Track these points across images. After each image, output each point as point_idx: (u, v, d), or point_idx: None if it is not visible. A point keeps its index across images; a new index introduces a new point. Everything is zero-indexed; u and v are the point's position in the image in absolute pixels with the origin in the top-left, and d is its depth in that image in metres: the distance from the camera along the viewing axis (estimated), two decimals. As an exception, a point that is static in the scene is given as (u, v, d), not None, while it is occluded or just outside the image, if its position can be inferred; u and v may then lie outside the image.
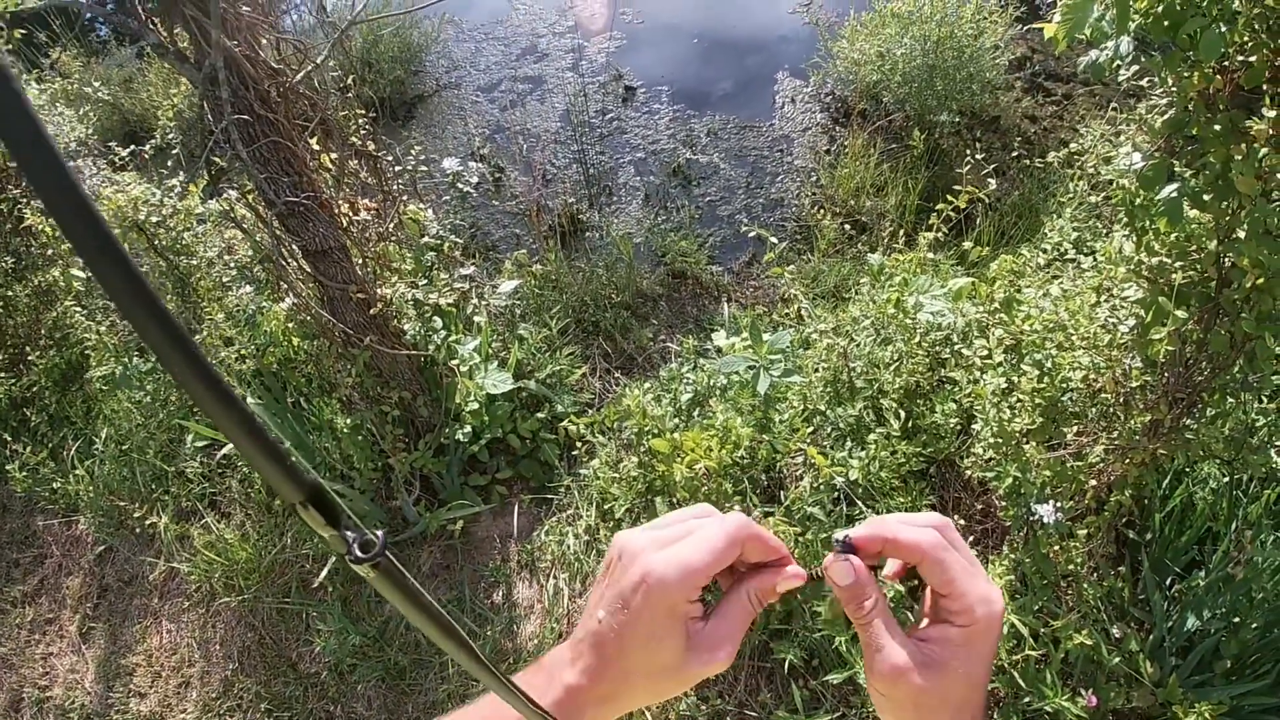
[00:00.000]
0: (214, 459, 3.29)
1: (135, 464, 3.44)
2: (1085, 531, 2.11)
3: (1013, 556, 2.20)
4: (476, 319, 3.32)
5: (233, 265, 3.58)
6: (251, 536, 3.12)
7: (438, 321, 3.09)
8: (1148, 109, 1.80)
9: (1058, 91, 5.07)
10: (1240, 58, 1.50)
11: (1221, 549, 2.21)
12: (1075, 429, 2.16)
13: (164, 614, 3.20)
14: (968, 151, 4.21)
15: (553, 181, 5.02)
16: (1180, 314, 1.71)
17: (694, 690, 2.46)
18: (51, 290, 3.88)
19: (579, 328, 3.87)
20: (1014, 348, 2.41)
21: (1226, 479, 2.37)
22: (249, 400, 3.18)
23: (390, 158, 2.98)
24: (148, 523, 3.24)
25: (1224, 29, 1.41)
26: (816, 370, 2.85)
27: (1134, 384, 1.96)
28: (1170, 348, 1.81)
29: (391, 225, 2.81)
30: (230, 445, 3.11)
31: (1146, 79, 1.76)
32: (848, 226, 4.24)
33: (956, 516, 2.58)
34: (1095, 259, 2.40)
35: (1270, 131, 1.48)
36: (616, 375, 3.70)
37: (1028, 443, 2.18)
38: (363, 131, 2.70)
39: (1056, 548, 2.12)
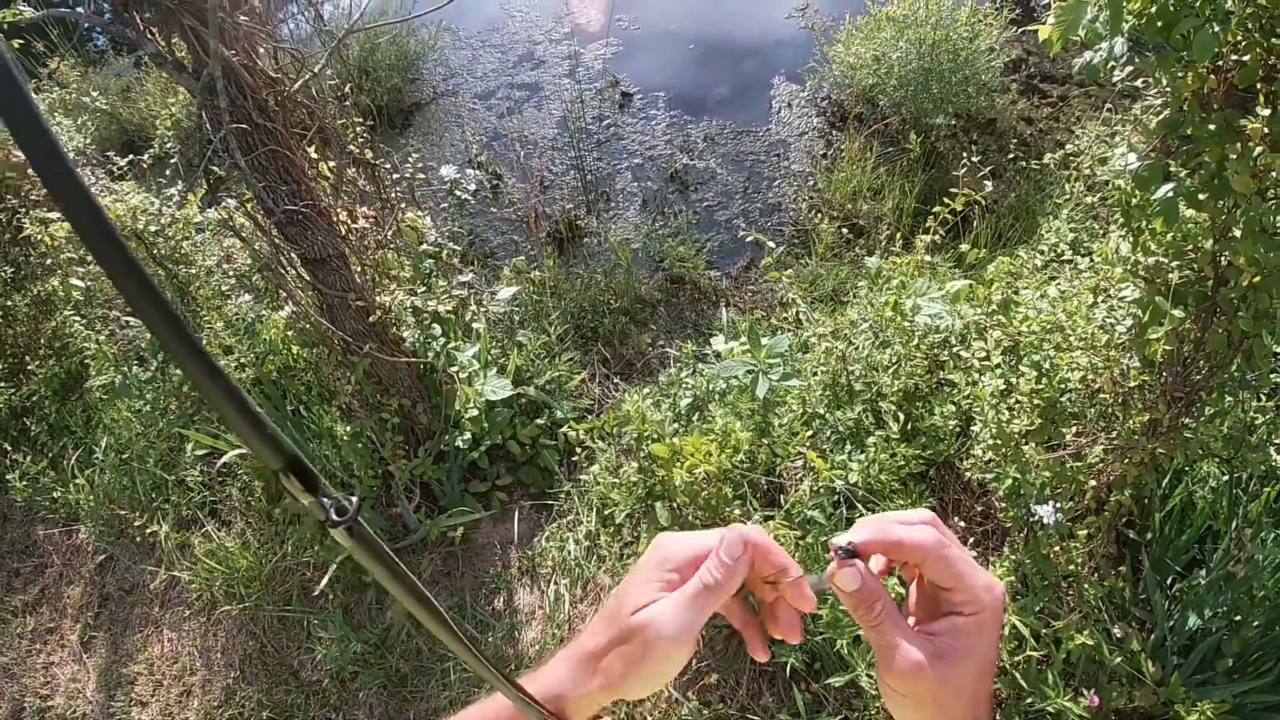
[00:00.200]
0: (214, 467, 3.28)
1: (135, 473, 3.44)
2: (1085, 532, 2.11)
3: (1013, 557, 2.20)
4: (475, 326, 3.32)
5: (231, 274, 3.59)
6: (252, 544, 3.12)
7: (437, 328, 3.09)
8: (1143, 109, 1.81)
9: (1053, 93, 5.09)
10: (1234, 57, 1.50)
11: (1222, 547, 2.21)
12: (1074, 429, 2.17)
13: (165, 622, 3.20)
14: (964, 154, 4.23)
15: (550, 188, 5.03)
16: (1177, 313, 1.72)
17: (696, 695, 2.46)
18: (51, 300, 3.89)
19: (578, 334, 3.87)
20: (1012, 349, 2.41)
21: (1226, 477, 2.37)
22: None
23: (388, 166, 2.99)
24: (148, 531, 3.24)
25: (1217, 29, 1.42)
26: (815, 374, 2.86)
27: (1132, 384, 1.96)
28: (1168, 347, 1.82)
29: (390, 233, 2.82)
30: (231, 454, 3.11)
31: (1141, 79, 1.77)
32: (845, 230, 4.25)
33: (956, 518, 2.58)
34: (1092, 260, 2.40)
35: (1265, 130, 1.48)
36: (616, 381, 3.70)
37: (1027, 444, 2.19)
38: (360, 140, 2.71)
39: (1057, 548, 2.12)
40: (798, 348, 3.06)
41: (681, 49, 6.05)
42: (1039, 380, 2.18)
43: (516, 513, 3.16)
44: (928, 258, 3.05)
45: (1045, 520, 2.09)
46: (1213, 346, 1.76)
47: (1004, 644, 2.08)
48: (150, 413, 3.44)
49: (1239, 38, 1.49)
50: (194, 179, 3.45)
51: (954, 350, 2.61)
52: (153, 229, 3.25)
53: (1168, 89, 1.62)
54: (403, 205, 3.01)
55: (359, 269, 2.71)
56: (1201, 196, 1.61)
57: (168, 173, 3.53)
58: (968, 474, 2.43)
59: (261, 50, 2.17)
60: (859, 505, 2.52)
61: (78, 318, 3.64)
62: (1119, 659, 2.05)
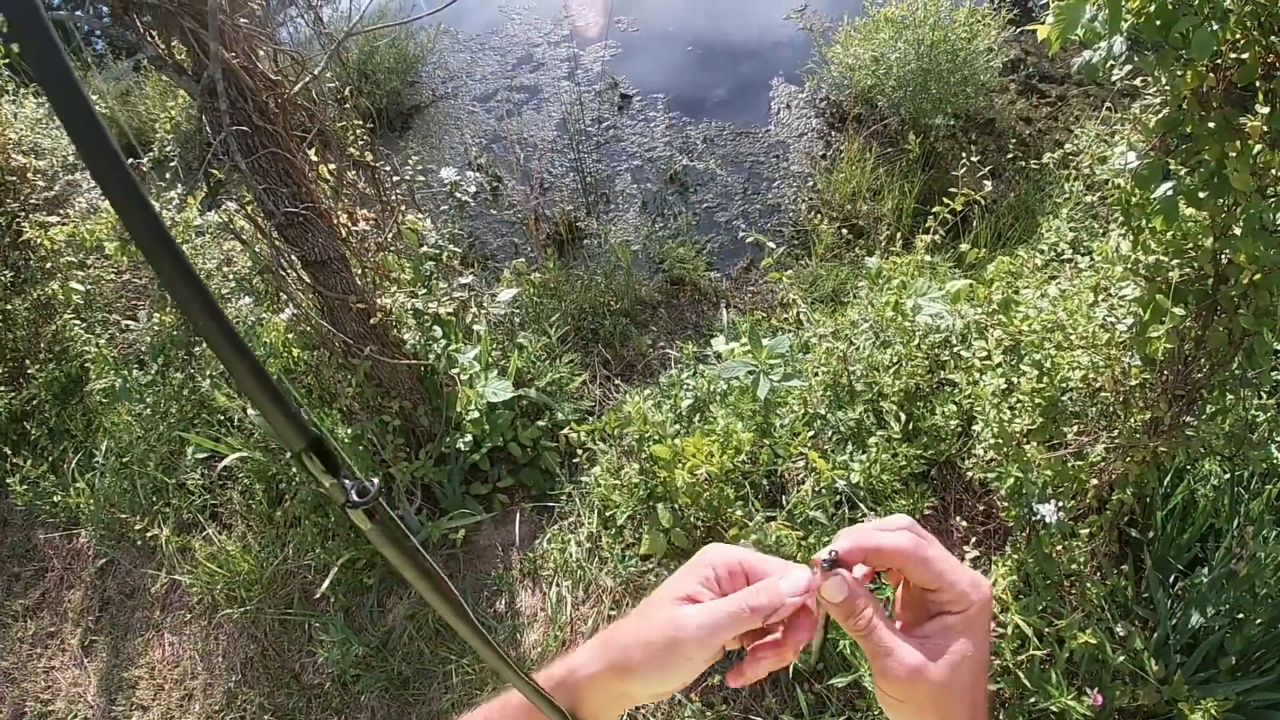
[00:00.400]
0: (214, 471, 3.28)
1: (136, 476, 3.43)
2: (1087, 531, 2.11)
3: (1015, 557, 2.20)
4: (476, 328, 3.32)
5: (232, 277, 3.59)
6: (253, 548, 3.12)
7: (437, 331, 3.09)
8: (1142, 108, 1.81)
9: (1052, 93, 5.10)
10: (1233, 55, 1.51)
11: (1224, 545, 2.21)
12: (1076, 428, 2.17)
13: (166, 626, 3.19)
14: (963, 154, 4.22)
15: (550, 190, 5.03)
16: (1178, 311, 1.72)
17: (699, 697, 2.46)
18: (51, 303, 3.89)
19: (578, 335, 3.87)
20: (1013, 348, 2.41)
21: (1228, 475, 2.37)
22: (248, 411, 3.19)
23: (388, 168, 2.98)
24: (149, 535, 3.23)
25: (1216, 27, 1.42)
26: (816, 374, 2.86)
27: (1133, 382, 1.96)
28: (1169, 345, 1.82)
29: (390, 235, 2.82)
30: (231, 457, 3.11)
31: (1140, 78, 1.77)
32: (845, 231, 4.25)
33: (958, 518, 2.58)
34: (1092, 259, 2.40)
35: (1264, 128, 1.48)
36: (616, 382, 3.70)
37: (1028, 443, 2.19)
38: (360, 142, 2.71)
39: (1059, 547, 2.12)
40: (798, 348, 3.06)
41: (680, 51, 6.05)
42: (1040, 379, 2.18)
43: (518, 515, 3.16)
44: (928, 258, 3.05)
45: (1047, 519, 2.09)
46: (1214, 344, 1.77)
47: (1007, 643, 2.07)
48: (150, 416, 3.44)
49: (1238, 36, 1.49)
50: (194, 182, 3.45)
51: (955, 350, 2.61)
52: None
53: (1167, 87, 1.62)
54: (403, 208, 3.02)
55: (359, 271, 2.71)
56: (1201, 195, 1.61)
57: (168, 176, 3.53)
58: (969, 473, 2.43)
59: (261, 53, 2.17)
60: (861, 505, 2.52)
61: (78, 321, 3.64)
62: (1122, 658, 2.05)
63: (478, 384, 3.08)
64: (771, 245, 3.00)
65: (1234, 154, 1.52)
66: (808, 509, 2.46)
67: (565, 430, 2.90)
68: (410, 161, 4.36)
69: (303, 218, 2.38)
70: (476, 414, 3.03)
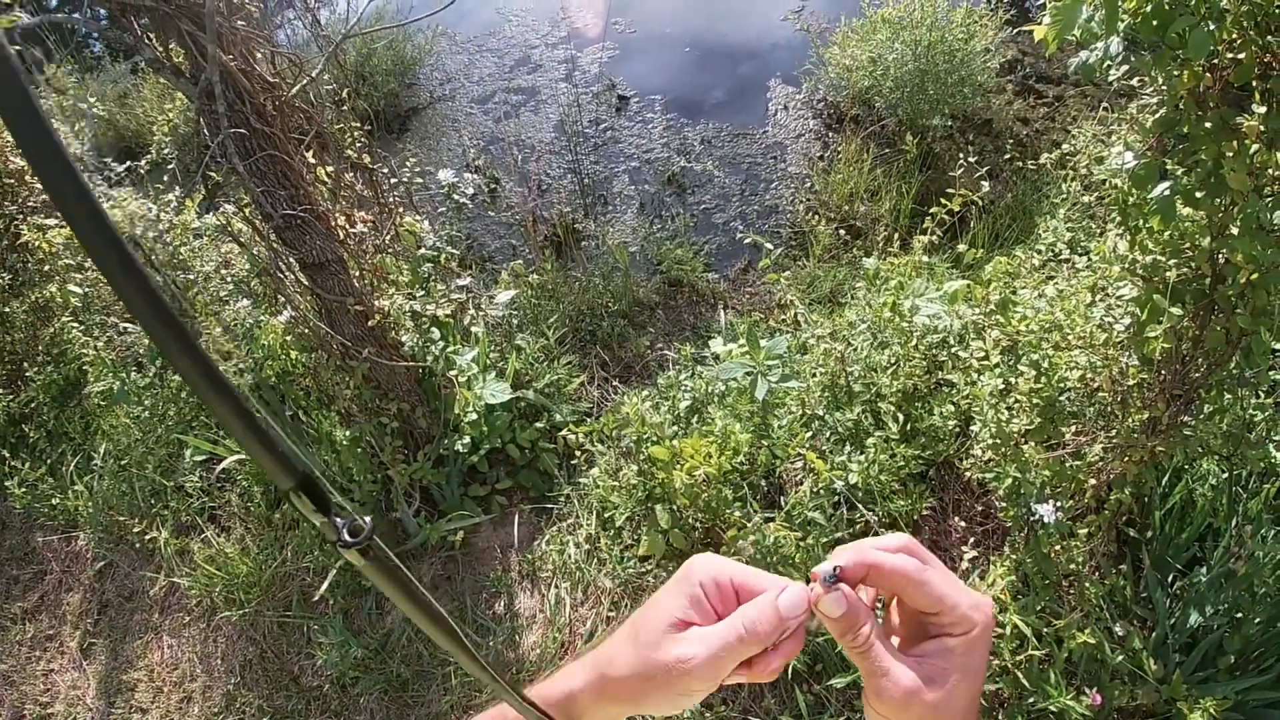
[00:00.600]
0: (213, 473, 3.28)
1: (134, 479, 3.43)
2: (1086, 530, 2.11)
3: (1014, 557, 2.20)
4: (474, 330, 3.32)
5: (229, 279, 3.59)
6: (252, 550, 3.12)
7: (435, 333, 3.09)
8: (1138, 108, 1.81)
9: (1049, 93, 5.10)
10: (1229, 55, 1.51)
11: (1222, 545, 2.22)
12: (1074, 428, 2.17)
13: (165, 629, 3.19)
14: (960, 155, 4.23)
15: (548, 192, 5.03)
16: (1176, 311, 1.72)
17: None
18: (49, 306, 3.88)
19: (576, 337, 3.87)
20: (1010, 349, 2.42)
21: (1225, 475, 2.37)
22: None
23: (386, 170, 2.99)
24: (147, 538, 3.23)
25: (1212, 27, 1.43)
26: (814, 375, 2.86)
27: (1131, 382, 1.97)
28: (1166, 345, 1.82)
29: (388, 237, 2.82)
30: (230, 459, 3.11)
31: (1137, 78, 1.78)
32: (842, 231, 4.25)
33: (957, 518, 2.58)
34: (1089, 259, 2.41)
35: (1261, 128, 1.49)
36: (615, 384, 3.70)
37: (1026, 443, 2.19)
38: (358, 144, 2.71)
39: (1057, 547, 2.12)
40: (796, 349, 3.06)
41: (678, 52, 6.05)
42: (1038, 379, 2.18)
43: (516, 516, 3.15)
44: (925, 258, 3.05)
45: (1045, 519, 2.09)
46: (1211, 344, 1.77)
47: (1006, 643, 2.07)
48: (149, 419, 3.43)
49: (1234, 36, 1.49)
50: (192, 184, 3.45)
51: (952, 350, 2.62)
52: (151, 235, 3.25)
53: (1164, 87, 1.63)
54: (401, 210, 3.02)
55: (357, 273, 2.70)
56: (1198, 194, 1.61)
57: (165, 178, 3.53)
58: (967, 474, 2.44)
59: (259, 55, 2.17)
60: (859, 506, 2.52)
61: (76, 324, 3.64)
62: (1121, 657, 2.06)
63: (476, 386, 3.08)
64: (769, 246, 3.01)
65: (1231, 154, 1.52)
66: (806, 510, 2.46)
67: (563, 432, 2.90)
68: (408, 163, 4.36)
69: (300, 220, 2.38)
70: (475, 416, 3.03)
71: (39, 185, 3.81)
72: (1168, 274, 1.76)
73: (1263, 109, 1.49)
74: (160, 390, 3.42)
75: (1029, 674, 2.05)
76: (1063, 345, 2.21)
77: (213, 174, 2.39)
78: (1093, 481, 2.10)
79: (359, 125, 2.80)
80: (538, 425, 3.25)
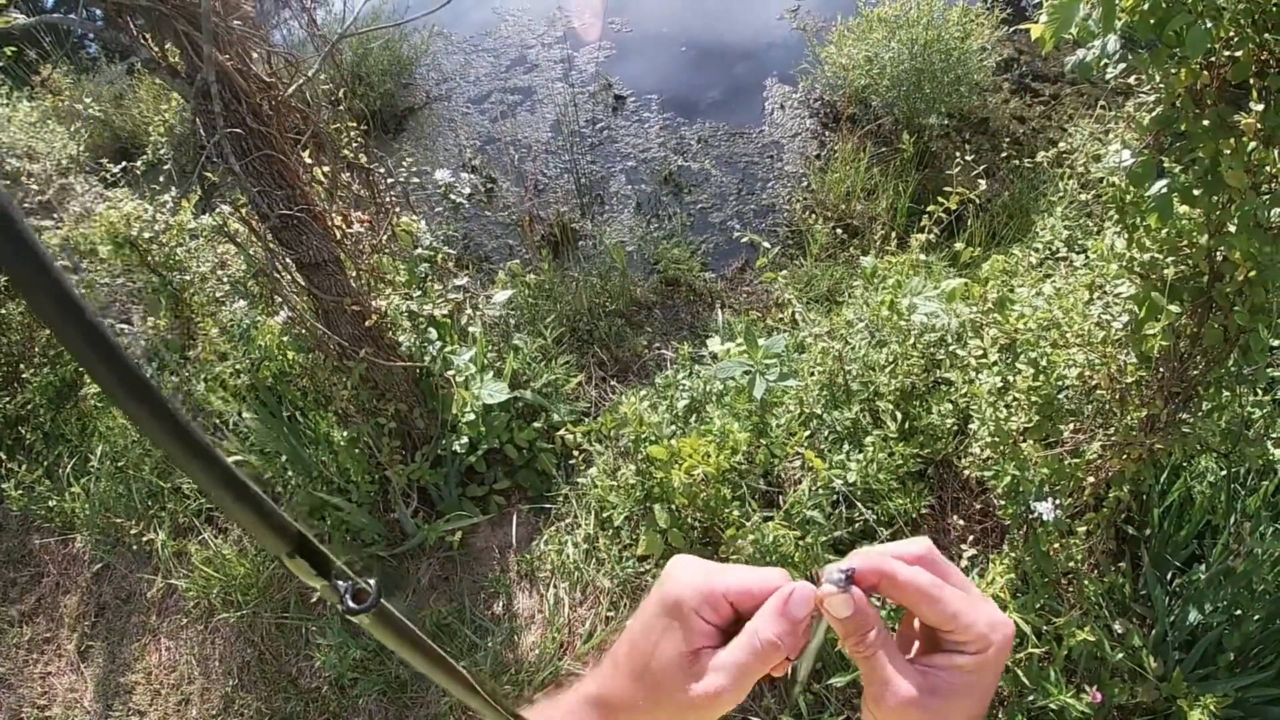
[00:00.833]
0: (210, 475, 3.27)
1: (131, 481, 3.42)
2: (1085, 528, 2.11)
3: (1013, 555, 2.20)
4: (471, 329, 3.32)
5: (226, 280, 3.58)
6: (249, 552, 3.11)
7: (433, 333, 3.08)
8: (1136, 106, 1.81)
9: (1045, 92, 5.11)
10: (1226, 53, 1.51)
11: (1221, 542, 2.22)
12: (1072, 426, 2.17)
13: (162, 631, 3.18)
14: (957, 153, 4.24)
15: (545, 191, 5.03)
16: (1173, 309, 1.72)
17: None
18: (44, 308, 3.86)
19: (574, 337, 3.87)
20: (1008, 347, 2.42)
21: (1224, 472, 2.38)
22: (243, 414, 3.18)
23: (382, 170, 2.98)
24: (145, 539, 3.22)
25: (1210, 25, 1.43)
26: (812, 374, 2.86)
27: (1129, 380, 1.97)
28: (1164, 343, 1.82)
29: (385, 237, 2.81)
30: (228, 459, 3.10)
31: (1134, 76, 1.78)
32: (839, 230, 4.25)
33: (955, 516, 2.58)
34: (1087, 256, 2.41)
35: (1258, 126, 1.49)
36: (612, 383, 3.70)
37: (1025, 441, 2.19)
38: (355, 144, 2.70)
39: (1056, 545, 2.12)
40: (794, 348, 3.06)
41: (674, 52, 6.05)
42: (1036, 377, 2.18)
43: (514, 516, 3.15)
44: (923, 257, 3.05)
45: (1044, 517, 2.09)
46: (1209, 341, 1.77)
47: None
48: (146, 420, 3.42)
49: (1231, 33, 1.49)
50: (188, 185, 3.44)
51: (950, 349, 2.61)
52: (147, 236, 3.24)
53: (1161, 85, 1.63)
54: (397, 209, 3.01)
55: (354, 273, 2.70)
56: (1196, 192, 1.61)
57: (161, 179, 3.52)
58: (966, 472, 2.43)
59: (255, 55, 2.16)
60: (858, 504, 2.52)
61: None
62: (1120, 655, 2.06)
63: (473, 386, 3.08)
64: (767, 245, 3.00)
65: (1228, 151, 1.52)
66: (805, 508, 2.46)
67: (561, 432, 2.89)
68: (404, 163, 4.35)
69: (297, 220, 2.38)
70: (472, 416, 3.03)
71: (35, 187, 3.80)
72: (1166, 272, 1.76)
73: (1260, 106, 1.49)
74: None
75: (1029, 672, 2.05)
76: (1061, 343, 2.21)
77: (209, 174, 2.39)
78: (1091, 479, 2.10)
79: (355, 125, 2.79)
80: (535, 425, 3.25)
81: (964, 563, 2.22)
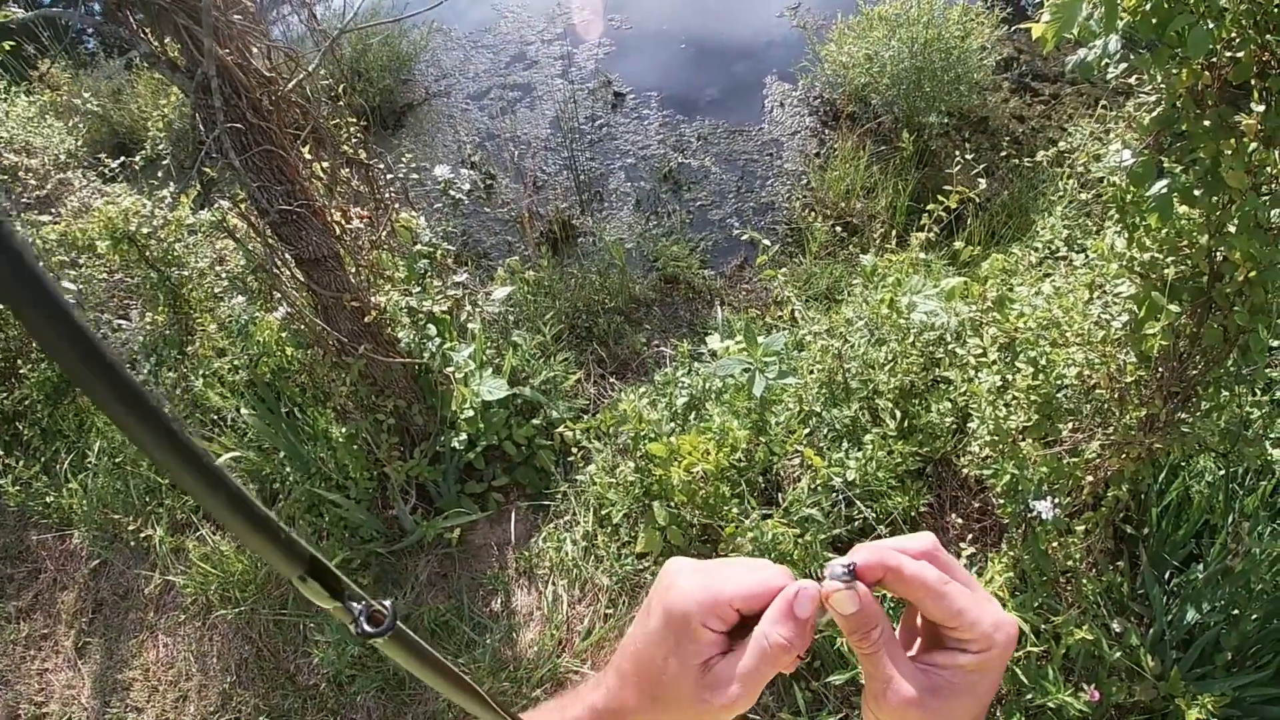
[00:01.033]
0: (208, 471, 3.26)
1: (129, 477, 3.42)
2: (1083, 527, 2.11)
3: (1011, 553, 2.21)
4: (470, 326, 3.31)
5: (224, 276, 3.57)
6: (247, 548, 3.10)
7: (432, 329, 3.08)
8: (1136, 106, 1.81)
9: (1045, 91, 5.11)
10: (1228, 54, 1.51)
11: (1219, 542, 2.22)
12: (1071, 425, 2.17)
13: (160, 627, 3.18)
14: (957, 152, 4.24)
15: (544, 188, 5.02)
16: (1173, 308, 1.72)
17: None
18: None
19: (573, 334, 3.87)
20: (1008, 346, 2.42)
21: (1222, 472, 2.38)
22: (241, 410, 3.18)
23: (382, 166, 2.98)
24: (142, 536, 3.22)
25: (1211, 25, 1.43)
26: (811, 372, 2.86)
27: (1128, 379, 1.97)
28: (1164, 342, 1.82)
29: (384, 233, 2.81)
30: (225, 456, 3.10)
31: (1135, 76, 1.78)
32: (839, 228, 4.25)
33: (954, 515, 2.58)
34: (1087, 256, 2.41)
35: (1259, 126, 1.49)
36: (611, 380, 3.70)
37: (1024, 440, 2.19)
38: (354, 140, 2.70)
39: (1055, 544, 2.12)
40: (793, 346, 3.06)
41: (674, 49, 6.05)
42: (1035, 376, 2.19)
43: (513, 513, 3.15)
44: (922, 255, 3.05)
45: (1043, 516, 2.09)
46: (1208, 341, 1.77)
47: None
48: (143, 416, 3.41)
49: (1233, 34, 1.49)
50: (187, 180, 3.43)
51: (950, 347, 2.62)
52: (145, 231, 3.24)
53: (1162, 86, 1.63)
54: (397, 205, 3.00)
55: (354, 269, 2.69)
56: (1196, 192, 1.61)
57: (160, 174, 3.51)
58: (965, 470, 2.44)
59: (255, 50, 2.16)
60: (857, 503, 2.52)
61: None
62: (1118, 654, 2.06)
63: (472, 382, 3.08)
64: (767, 243, 3.00)
65: (1229, 152, 1.52)
66: (804, 506, 2.46)
67: (560, 429, 2.89)
68: (404, 159, 4.35)
69: (296, 215, 2.37)
70: (471, 412, 3.03)
71: (33, 182, 3.79)
72: (1166, 271, 1.76)
73: (1261, 107, 1.49)
74: (154, 387, 3.41)
75: (1027, 670, 2.06)
76: (1060, 342, 2.21)
77: (208, 169, 2.38)
78: (1090, 478, 2.10)
79: (355, 121, 2.79)
80: (534, 422, 3.24)
81: (962, 561, 2.22)
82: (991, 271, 2.86)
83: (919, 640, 0.60)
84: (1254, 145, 1.51)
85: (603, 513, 2.92)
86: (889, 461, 2.53)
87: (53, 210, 3.68)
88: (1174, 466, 2.44)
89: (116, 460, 3.48)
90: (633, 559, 2.81)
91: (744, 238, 3.26)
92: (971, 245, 3.41)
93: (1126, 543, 2.41)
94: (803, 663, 2.40)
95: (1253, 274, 1.60)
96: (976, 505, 2.64)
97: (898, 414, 2.64)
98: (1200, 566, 2.21)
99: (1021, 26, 1.93)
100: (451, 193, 3.88)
